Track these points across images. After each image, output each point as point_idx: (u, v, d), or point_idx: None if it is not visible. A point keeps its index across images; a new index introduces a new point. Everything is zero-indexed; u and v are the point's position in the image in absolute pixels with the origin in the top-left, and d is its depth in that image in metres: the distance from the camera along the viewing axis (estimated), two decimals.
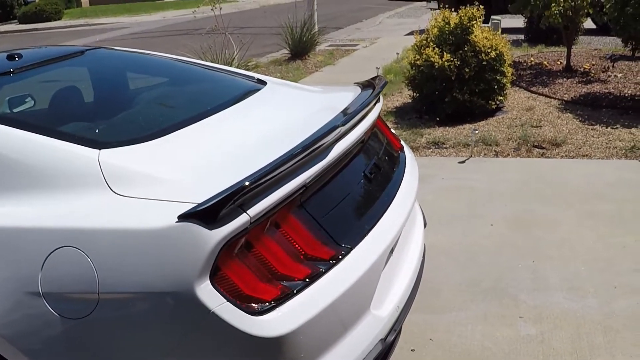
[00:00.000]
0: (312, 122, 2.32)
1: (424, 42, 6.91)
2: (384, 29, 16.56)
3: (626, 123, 6.27)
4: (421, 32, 7.36)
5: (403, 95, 7.87)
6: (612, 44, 10.45)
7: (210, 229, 1.74)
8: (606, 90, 7.36)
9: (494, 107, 6.85)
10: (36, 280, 1.83)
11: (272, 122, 2.54)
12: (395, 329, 2.30)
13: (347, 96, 2.72)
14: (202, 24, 13.25)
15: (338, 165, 2.30)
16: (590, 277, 3.60)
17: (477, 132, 5.90)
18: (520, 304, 3.37)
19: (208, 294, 1.73)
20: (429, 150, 5.98)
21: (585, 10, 7.98)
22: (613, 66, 8.43)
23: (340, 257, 2.08)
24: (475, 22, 6.64)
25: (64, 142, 2.09)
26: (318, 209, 2.14)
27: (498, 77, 6.64)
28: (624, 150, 5.55)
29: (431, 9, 14.71)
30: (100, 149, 2.05)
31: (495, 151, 5.80)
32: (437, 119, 6.64)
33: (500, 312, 3.32)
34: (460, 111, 6.68)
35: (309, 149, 2.02)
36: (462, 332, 3.16)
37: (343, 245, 2.13)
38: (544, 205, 4.57)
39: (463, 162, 5.61)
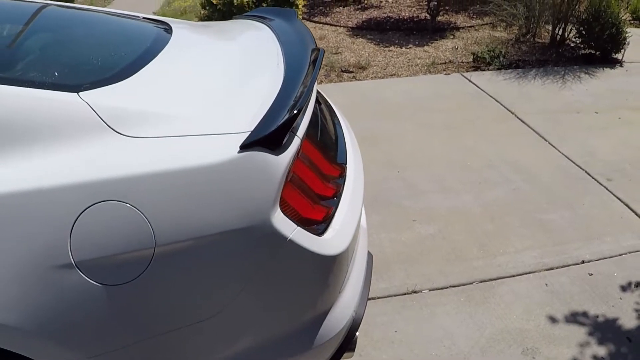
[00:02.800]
0: (270, 52, 2.23)
1: None
2: None
3: (416, 42, 6.85)
4: None
5: None
6: None
7: (277, 155, 1.68)
8: (385, 15, 7.90)
9: None
10: (65, 249, 1.56)
11: (231, 57, 2.28)
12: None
13: (265, 29, 2.54)
14: None
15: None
16: (454, 177, 4.00)
17: None
18: (408, 210, 3.66)
19: (282, 222, 1.68)
20: None
21: None
22: None
23: (344, 173, 2.12)
24: None
25: (35, 89, 1.76)
26: (313, 133, 2.14)
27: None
28: (426, 67, 6.09)
29: None
30: (77, 92, 1.77)
31: None
32: None
33: (394, 219, 3.57)
34: None
35: (314, 71, 2.00)
36: (371, 241, 3.35)
37: (341, 163, 2.17)
38: (381, 122, 4.88)
39: None
